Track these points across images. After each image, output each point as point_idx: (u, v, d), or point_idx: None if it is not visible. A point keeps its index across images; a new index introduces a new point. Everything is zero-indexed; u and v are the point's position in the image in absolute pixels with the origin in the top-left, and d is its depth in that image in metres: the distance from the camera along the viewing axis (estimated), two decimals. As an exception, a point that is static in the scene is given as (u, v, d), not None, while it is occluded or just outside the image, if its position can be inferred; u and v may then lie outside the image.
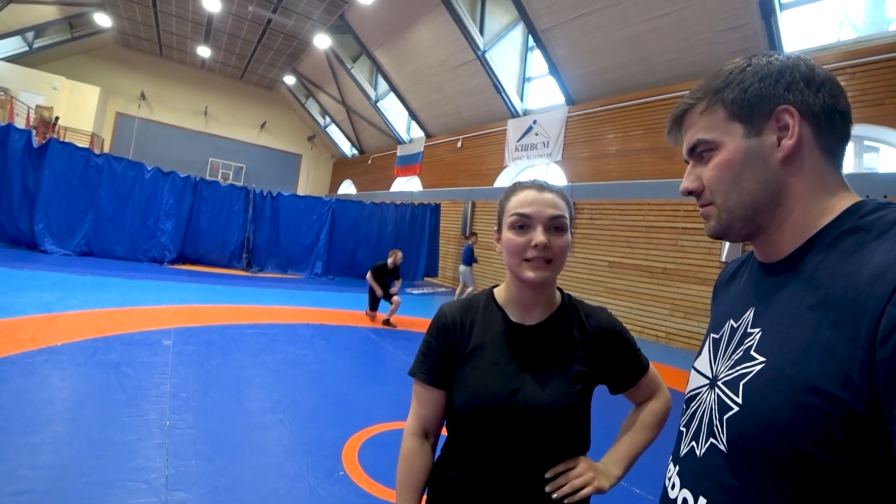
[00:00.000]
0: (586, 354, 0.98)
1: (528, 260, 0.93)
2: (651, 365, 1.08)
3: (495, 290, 1.06)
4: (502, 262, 1.00)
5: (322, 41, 15.06)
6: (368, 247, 12.35)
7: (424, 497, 1.03)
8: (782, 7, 6.86)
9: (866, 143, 6.70)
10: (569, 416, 0.93)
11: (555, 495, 0.92)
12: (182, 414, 3.02)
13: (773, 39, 6.81)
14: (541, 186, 0.97)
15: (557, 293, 1.03)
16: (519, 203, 0.95)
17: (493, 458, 0.93)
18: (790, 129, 0.61)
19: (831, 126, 0.61)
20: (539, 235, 0.92)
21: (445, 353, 1.01)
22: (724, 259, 7.24)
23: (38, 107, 14.31)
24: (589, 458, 0.99)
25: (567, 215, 0.96)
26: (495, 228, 1.03)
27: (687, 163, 0.72)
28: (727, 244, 7.18)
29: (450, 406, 1.00)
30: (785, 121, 0.61)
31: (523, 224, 0.94)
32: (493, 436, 0.93)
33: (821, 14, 7.08)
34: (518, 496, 0.92)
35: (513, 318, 1.00)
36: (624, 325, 1.05)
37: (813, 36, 7.06)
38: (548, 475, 0.93)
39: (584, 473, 0.94)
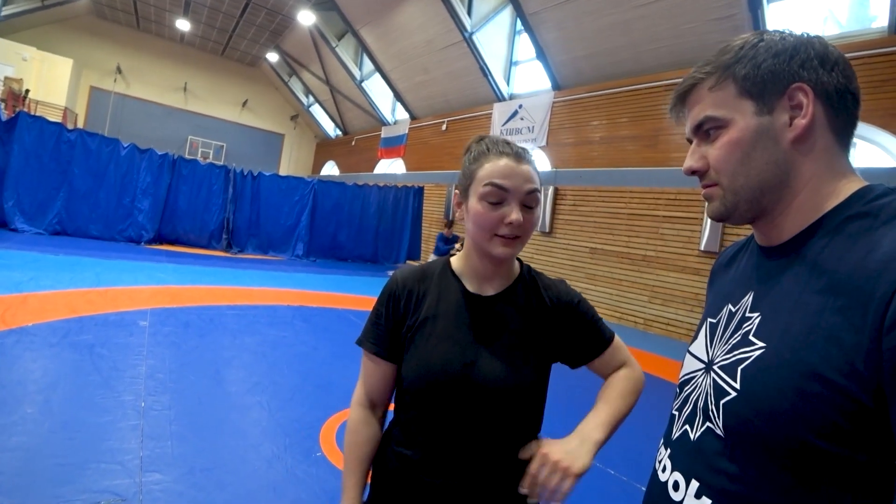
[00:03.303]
0: (545, 327, 0.93)
1: (498, 235, 0.87)
2: (617, 338, 1.01)
3: (452, 259, 1.00)
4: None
5: (306, 17, 14.68)
6: (350, 229, 12.27)
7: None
8: (769, 0, 6.90)
9: (844, 137, 6.82)
10: (525, 392, 0.89)
11: (531, 501, 0.85)
12: (158, 395, 2.98)
13: (757, 30, 6.85)
14: (518, 156, 0.89)
15: (516, 263, 0.99)
16: (495, 173, 0.87)
17: (444, 433, 0.89)
18: (804, 107, 0.59)
19: (843, 107, 0.60)
20: (515, 213, 0.86)
21: (395, 323, 0.96)
22: (702, 248, 7.36)
23: (6, 78, 13.69)
24: (549, 442, 0.88)
25: (540, 187, 0.91)
26: (456, 190, 0.97)
27: (690, 141, 0.69)
28: (706, 233, 7.29)
29: (399, 379, 0.96)
30: (798, 99, 0.59)
31: (499, 198, 0.87)
32: (444, 410, 0.88)
33: (806, 8, 7.14)
34: (468, 473, 0.88)
35: (469, 289, 0.95)
36: (585, 297, 1.00)
37: (797, 30, 7.11)
38: (521, 490, 0.85)
39: (555, 470, 0.82)
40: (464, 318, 0.92)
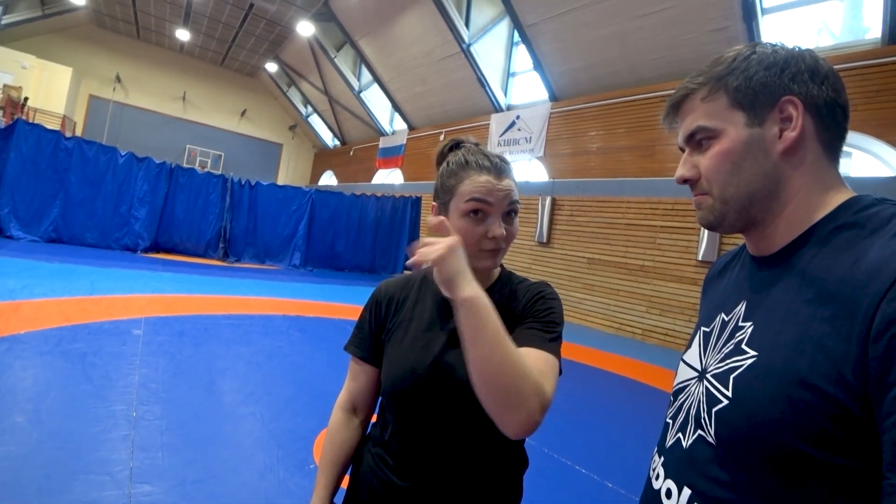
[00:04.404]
0: (517, 324, 0.90)
1: (482, 249, 0.88)
2: (550, 357, 0.83)
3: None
4: None
5: (305, 28, 14.80)
6: (348, 238, 12.25)
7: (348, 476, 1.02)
8: (764, 11, 6.97)
9: (839, 147, 6.87)
10: None
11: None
12: (150, 405, 2.94)
13: (752, 42, 6.92)
14: (498, 171, 0.89)
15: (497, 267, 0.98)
16: (477, 191, 0.87)
17: (415, 435, 0.90)
18: (793, 120, 0.60)
19: (833, 120, 0.61)
20: (498, 228, 0.87)
21: (377, 328, 1.00)
22: (700, 258, 7.36)
23: (5, 86, 13.73)
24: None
25: (518, 197, 0.91)
26: (434, 202, 0.96)
27: (682, 150, 0.70)
28: (704, 243, 7.30)
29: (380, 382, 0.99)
30: (788, 112, 0.60)
31: (481, 212, 0.87)
32: (414, 411, 0.90)
33: (800, 20, 7.22)
34: (439, 477, 0.88)
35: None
36: (559, 303, 0.92)
37: (792, 41, 7.19)
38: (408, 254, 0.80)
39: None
40: (436, 321, 0.94)
